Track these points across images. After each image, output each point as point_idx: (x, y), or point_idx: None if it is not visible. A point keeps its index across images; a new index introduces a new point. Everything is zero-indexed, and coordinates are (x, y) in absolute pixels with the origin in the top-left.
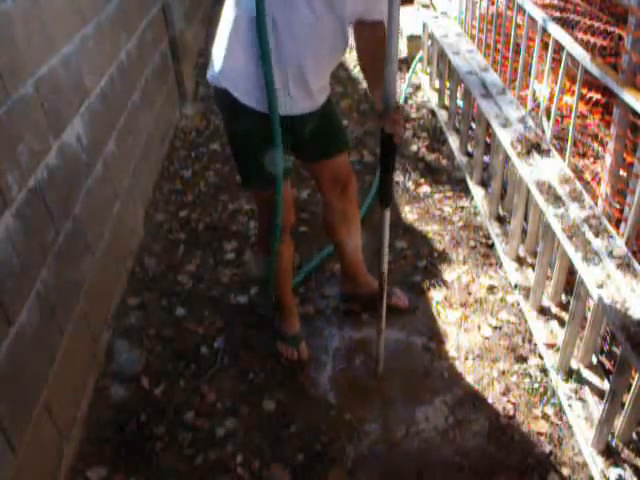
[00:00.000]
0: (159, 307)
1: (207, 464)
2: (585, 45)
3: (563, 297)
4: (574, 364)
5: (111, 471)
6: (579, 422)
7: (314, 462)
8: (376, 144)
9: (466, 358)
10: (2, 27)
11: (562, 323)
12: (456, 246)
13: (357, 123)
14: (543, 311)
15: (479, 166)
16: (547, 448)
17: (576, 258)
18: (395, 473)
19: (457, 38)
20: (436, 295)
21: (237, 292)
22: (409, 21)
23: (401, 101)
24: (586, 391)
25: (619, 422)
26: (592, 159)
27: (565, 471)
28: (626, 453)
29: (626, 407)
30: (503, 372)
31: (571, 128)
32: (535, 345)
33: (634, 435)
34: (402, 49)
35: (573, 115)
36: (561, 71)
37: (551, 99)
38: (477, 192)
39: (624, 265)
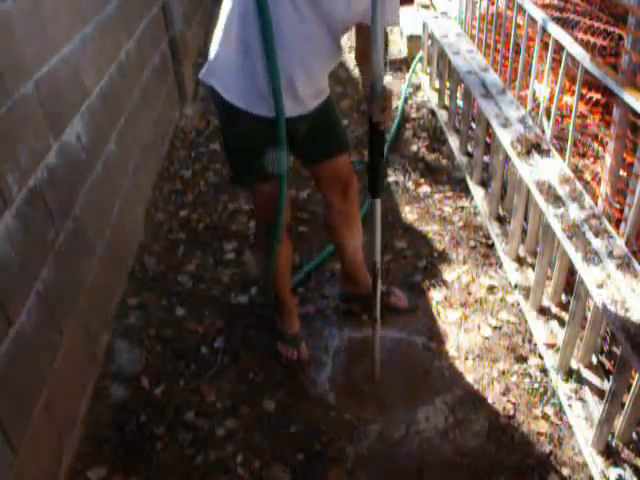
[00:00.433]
0: (159, 307)
1: (207, 464)
2: (585, 45)
3: (563, 297)
4: (574, 364)
5: (111, 471)
6: (579, 422)
7: (314, 462)
8: None
9: (466, 358)
10: (2, 27)
11: (562, 323)
12: (456, 246)
13: (357, 123)
14: (543, 311)
15: (479, 166)
16: (547, 448)
17: (576, 258)
18: (395, 473)
19: (457, 38)
20: (436, 295)
21: (237, 292)
22: (409, 21)
23: (401, 101)
24: (586, 391)
25: (619, 422)
26: (592, 159)
27: (565, 471)
28: (626, 453)
29: (626, 407)
30: (503, 372)
31: (571, 128)
32: (535, 345)
33: (634, 435)
34: (402, 49)
35: (573, 115)
36: (561, 71)
37: (551, 99)
38: (477, 192)
39: (624, 265)
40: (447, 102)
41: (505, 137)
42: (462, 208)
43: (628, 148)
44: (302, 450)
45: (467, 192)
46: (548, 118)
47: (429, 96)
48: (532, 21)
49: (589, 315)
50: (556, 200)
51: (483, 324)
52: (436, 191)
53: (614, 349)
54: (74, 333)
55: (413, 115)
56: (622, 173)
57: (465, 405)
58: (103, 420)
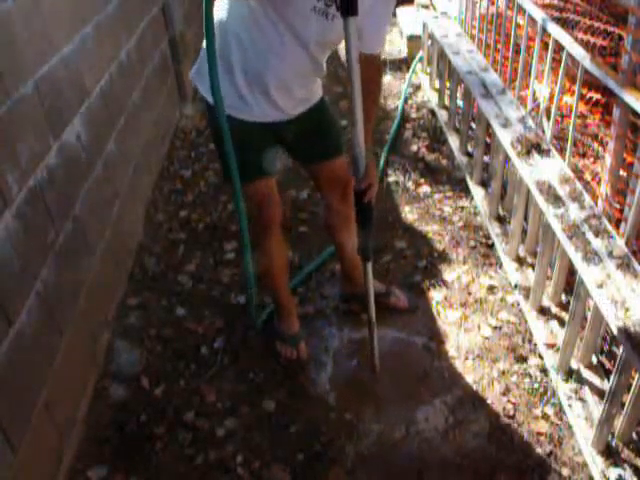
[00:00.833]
0: (159, 307)
1: (207, 464)
2: (585, 45)
3: (563, 297)
4: (574, 364)
5: (111, 471)
6: (579, 422)
7: (314, 462)
8: (376, 144)
9: (466, 358)
10: (2, 27)
11: (562, 323)
12: (456, 246)
13: None
14: (543, 311)
15: (479, 166)
16: (547, 448)
17: (576, 258)
18: (395, 473)
19: (457, 38)
20: (436, 295)
21: (237, 292)
22: (409, 21)
23: (401, 101)
24: (586, 391)
25: (619, 422)
26: (592, 159)
27: (565, 471)
28: (626, 453)
29: (626, 407)
30: (503, 372)
31: (571, 128)
32: (535, 345)
33: (634, 435)
34: (402, 49)
35: (573, 115)
36: (561, 71)
37: (551, 99)
38: (477, 192)
39: (624, 265)
40: (447, 102)
41: (505, 137)
42: (462, 208)
43: (628, 148)
44: (302, 450)
45: (467, 192)
46: (548, 118)
47: (429, 96)
48: (532, 21)
49: (589, 315)
50: (556, 200)
51: (483, 324)
52: (436, 191)
53: (614, 349)
54: (74, 333)
55: (413, 115)
56: (622, 173)
57: (465, 405)
58: (103, 420)
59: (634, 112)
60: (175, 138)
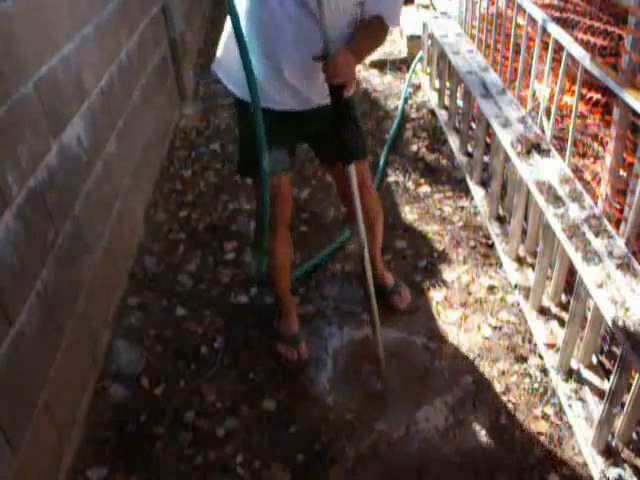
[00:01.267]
0: (159, 307)
1: (207, 464)
2: (585, 45)
3: (563, 297)
4: (574, 364)
5: (111, 471)
6: (579, 422)
7: (314, 462)
8: (376, 144)
9: (466, 358)
10: (2, 27)
11: (562, 323)
12: (456, 246)
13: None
14: (543, 311)
15: (479, 166)
16: (547, 448)
17: (576, 258)
18: (395, 473)
19: (457, 38)
20: (436, 295)
21: (237, 292)
22: (409, 21)
23: (401, 101)
24: (586, 391)
25: (619, 422)
26: (592, 159)
27: (565, 471)
28: (626, 453)
29: (626, 407)
30: (503, 372)
31: (571, 128)
32: (535, 345)
33: (634, 435)
34: (402, 49)
35: (573, 115)
36: (561, 71)
37: (551, 99)
38: (477, 192)
39: (624, 265)
40: (447, 102)
41: (505, 137)
42: (462, 208)
43: (628, 148)
44: (302, 450)
45: (467, 192)
46: (548, 118)
47: (429, 96)
48: (532, 21)
49: (589, 315)
50: (556, 200)
51: (483, 324)
52: (436, 191)
53: (614, 349)
54: (74, 333)
55: (413, 115)
56: (622, 173)
57: (465, 405)
58: (103, 420)
59: (634, 112)
60: (175, 138)
